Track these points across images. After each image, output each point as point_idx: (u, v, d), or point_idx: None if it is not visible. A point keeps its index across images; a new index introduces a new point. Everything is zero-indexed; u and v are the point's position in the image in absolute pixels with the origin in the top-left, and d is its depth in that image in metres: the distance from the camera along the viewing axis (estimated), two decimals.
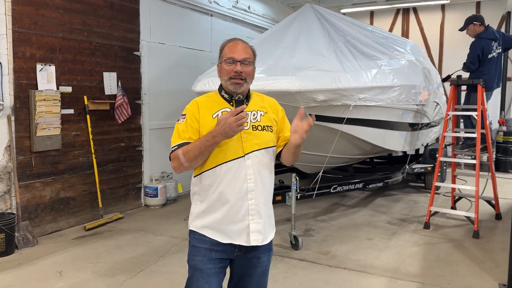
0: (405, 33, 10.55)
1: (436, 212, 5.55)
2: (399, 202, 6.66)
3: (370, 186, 6.15)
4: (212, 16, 7.83)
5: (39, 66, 4.88)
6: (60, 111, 5.05)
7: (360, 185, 5.89)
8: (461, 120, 6.27)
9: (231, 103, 2.03)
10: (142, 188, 6.40)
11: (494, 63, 5.89)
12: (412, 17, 10.59)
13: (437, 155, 5.96)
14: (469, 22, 5.99)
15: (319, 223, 5.54)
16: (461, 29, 6.11)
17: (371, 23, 10.74)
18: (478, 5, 9.82)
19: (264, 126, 2.03)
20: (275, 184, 2.21)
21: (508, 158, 8.98)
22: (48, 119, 4.90)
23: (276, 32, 5.64)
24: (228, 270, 2.14)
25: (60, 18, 5.11)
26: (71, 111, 5.29)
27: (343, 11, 10.19)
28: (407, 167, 6.77)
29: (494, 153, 8.50)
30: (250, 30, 9.00)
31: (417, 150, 7.96)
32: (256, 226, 1.99)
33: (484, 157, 6.56)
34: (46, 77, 4.94)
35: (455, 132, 5.86)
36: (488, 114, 5.82)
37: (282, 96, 3.90)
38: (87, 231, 5.15)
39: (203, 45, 7.60)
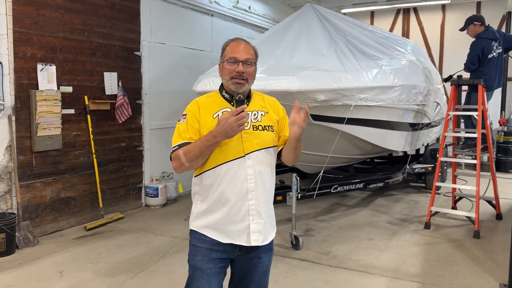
0: (406, 33, 10.55)
1: (436, 212, 5.55)
2: (399, 202, 6.66)
3: (371, 186, 6.15)
4: (213, 16, 7.83)
5: (39, 66, 4.89)
6: (61, 111, 5.06)
7: (361, 185, 5.89)
8: (462, 120, 6.27)
9: (232, 103, 2.03)
10: (143, 188, 6.41)
11: (494, 63, 5.88)
12: (412, 17, 10.59)
13: (437, 155, 5.96)
14: (469, 22, 5.99)
15: (320, 223, 5.54)
16: (462, 29, 6.11)
17: (372, 23, 10.74)
18: (478, 5, 9.82)
19: (264, 126, 2.03)
20: (275, 184, 2.21)
21: (509, 158, 8.98)
22: (49, 119, 4.91)
23: (277, 32, 5.64)
24: (228, 270, 2.14)
25: (61, 18, 5.11)
26: (72, 111, 5.29)
27: (343, 11, 10.19)
28: (408, 167, 6.77)
29: (495, 153, 8.52)
30: (250, 30, 9.00)
31: (418, 150, 7.97)
32: (256, 227, 1.99)
33: (485, 157, 6.56)
34: (46, 77, 4.95)
35: (456, 132, 5.86)
36: (489, 114, 5.82)
37: (282, 96, 3.89)
38: (88, 231, 5.16)
39: (204, 45, 7.60)
